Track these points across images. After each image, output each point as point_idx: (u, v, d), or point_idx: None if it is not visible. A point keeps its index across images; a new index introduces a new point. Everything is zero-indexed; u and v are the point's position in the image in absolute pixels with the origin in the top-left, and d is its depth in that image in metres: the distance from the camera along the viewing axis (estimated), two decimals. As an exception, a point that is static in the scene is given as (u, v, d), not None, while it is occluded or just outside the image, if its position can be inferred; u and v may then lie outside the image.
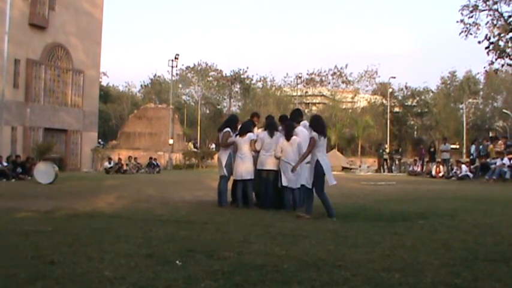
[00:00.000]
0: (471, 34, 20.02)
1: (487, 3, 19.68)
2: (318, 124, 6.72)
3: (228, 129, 7.89)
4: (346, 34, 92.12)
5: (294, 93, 49.99)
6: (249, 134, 7.71)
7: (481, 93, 50.84)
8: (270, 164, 7.57)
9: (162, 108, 35.30)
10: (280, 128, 7.85)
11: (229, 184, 8.15)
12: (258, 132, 8.00)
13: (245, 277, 3.36)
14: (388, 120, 41.71)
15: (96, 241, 4.66)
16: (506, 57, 19.77)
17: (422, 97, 50.81)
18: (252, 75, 52.78)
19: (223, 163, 7.88)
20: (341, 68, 50.74)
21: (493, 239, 4.92)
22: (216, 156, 31.74)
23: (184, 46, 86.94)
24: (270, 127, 7.77)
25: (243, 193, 7.76)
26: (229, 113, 35.80)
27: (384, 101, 47.17)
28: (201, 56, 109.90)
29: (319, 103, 57.08)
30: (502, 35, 19.71)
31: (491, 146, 18.03)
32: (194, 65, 52.18)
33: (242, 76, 52.13)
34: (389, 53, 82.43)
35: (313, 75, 51.31)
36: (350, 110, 50.81)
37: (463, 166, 18.22)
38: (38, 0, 22.88)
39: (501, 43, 19.75)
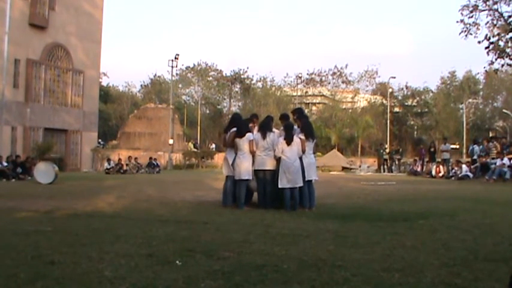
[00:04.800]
0: (471, 34, 20.03)
1: (487, 3, 19.68)
2: (311, 129, 7.91)
3: (235, 129, 7.86)
4: (346, 34, 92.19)
5: (294, 93, 49.97)
6: (248, 134, 7.70)
7: (481, 93, 50.86)
8: (267, 164, 7.59)
9: (162, 108, 35.27)
10: (281, 128, 7.85)
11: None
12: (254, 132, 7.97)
13: (245, 277, 3.36)
14: (388, 120, 41.70)
15: (96, 241, 4.66)
16: (506, 57, 19.77)
17: (422, 97, 50.84)
18: (252, 75, 52.83)
19: (230, 163, 7.85)
20: (341, 68, 50.77)
21: (493, 239, 4.91)
22: (216, 157, 31.71)
23: (184, 46, 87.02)
24: (262, 128, 7.77)
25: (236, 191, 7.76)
26: (232, 113, 35.64)
27: (384, 101, 47.17)
28: (201, 56, 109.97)
29: (319, 103, 57.07)
30: (502, 35, 19.71)
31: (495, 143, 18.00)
32: (194, 65, 52.22)
33: (242, 76, 52.11)
34: (389, 53, 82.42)
35: (313, 75, 51.30)
36: (350, 110, 50.79)
37: (464, 166, 18.20)
38: (38, 0, 22.91)
39: (501, 43, 19.75)
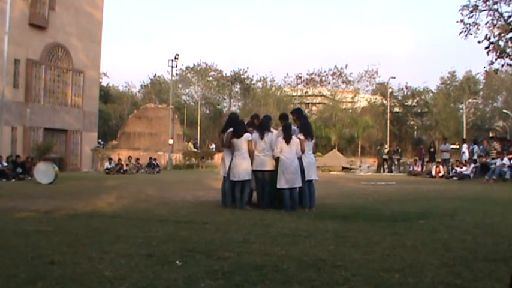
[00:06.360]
0: (471, 34, 20.04)
1: (487, 3, 19.69)
2: (310, 129, 7.94)
3: (232, 129, 7.84)
4: (346, 34, 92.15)
5: (294, 93, 50.00)
6: (246, 134, 7.67)
7: (481, 93, 50.90)
8: (266, 165, 7.57)
9: (162, 108, 35.23)
10: (279, 128, 7.85)
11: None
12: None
13: (245, 277, 3.36)
14: (388, 120, 41.70)
15: (96, 241, 4.66)
16: (506, 57, 19.76)
17: (422, 97, 50.89)
18: (252, 75, 52.91)
19: (228, 163, 7.83)
20: (341, 68, 50.85)
21: (493, 239, 4.91)
22: (216, 157, 31.66)
23: (184, 46, 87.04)
24: (261, 128, 7.75)
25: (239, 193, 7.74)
26: (230, 112, 35.64)
27: (384, 101, 47.21)
28: (201, 56, 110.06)
29: (319, 103, 57.10)
30: (502, 35, 19.71)
31: (495, 143, 18.02)
32: (194, 65, 52.28)
33: (242, 76, 52.15)
34: (389, 53, 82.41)
35: (313, 75, 51.35)
36: (350, 110, 50.83)
37: (472, 165, 18.05)
38: (38, 0, 22.90)
39: (501, 43, 19.75)
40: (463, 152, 19.94)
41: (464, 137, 39.71)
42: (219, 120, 48.20)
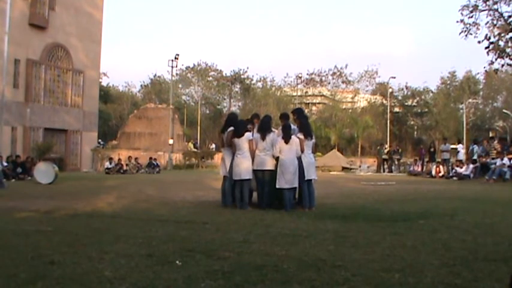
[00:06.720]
0: (471, 34, 20.06)
1: (487, 3, 19.70)
2: (309, 129, 7.96)
3: (232, 128, 7.84)
4: (346, 34, 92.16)
5: (294, 93, 50.01)
6: (247, 134, 7.68)
7: (481, 93, 50.92)
8: (266, 164, 7.57)
9: (162, 108, 35.23)
10: (279, 128, 7.85)
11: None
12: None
13: (245, 277, 3.36)
14: (388, 120, 41.70)
15: (96, 241, 4.66)
16: (506, 57, 19.77)
17: (422, 97, 50.91)
18: (252, 75, 52.93)
19: (228, 163, 7.84)
20: (341, 68, 50.87)
21: (493, 239, 4.91)
22: (216, 157, 31.65)
23: (184, 46, 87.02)
24: (262, 129, 7.74)
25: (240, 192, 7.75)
26: (229, 112, 35.60)
27: (384, 101, 47.23)
28: (201, 56, 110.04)
29: (319, 103, 57.12)
30: (502, 35, 19.72)
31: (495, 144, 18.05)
32: (194, 65, 52.29)
33: (242, 76, 52.17)
34: (389, 53, 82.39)
35: (313, 75, 51.37)
36: (350, 110, 50.86)
37: (471, 165, 18.06)
38: (38, 0, 22.91)
39: (501, 43, 19.77)
40: (458, 152, 20.02)
41: (465, 137, 39.82)
42: (219, 120, 48.20)
